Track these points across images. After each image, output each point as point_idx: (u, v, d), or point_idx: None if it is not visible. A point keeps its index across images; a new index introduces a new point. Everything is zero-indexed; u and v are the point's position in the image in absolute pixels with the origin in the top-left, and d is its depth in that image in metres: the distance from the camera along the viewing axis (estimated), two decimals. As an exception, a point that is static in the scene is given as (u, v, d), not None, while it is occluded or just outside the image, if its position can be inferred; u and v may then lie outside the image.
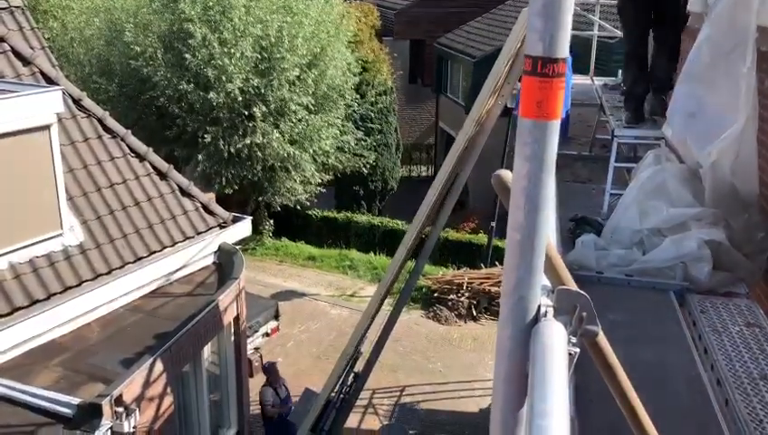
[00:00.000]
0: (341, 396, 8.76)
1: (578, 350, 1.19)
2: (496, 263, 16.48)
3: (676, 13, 6.61)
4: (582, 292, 1.20)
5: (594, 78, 10.41)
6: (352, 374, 8.94)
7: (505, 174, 1.23)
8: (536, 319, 1.14)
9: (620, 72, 9.36)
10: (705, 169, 4.40)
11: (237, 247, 8.81)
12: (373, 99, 21.18)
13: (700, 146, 4.50)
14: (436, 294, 15.69)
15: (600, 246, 4.62)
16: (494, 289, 15.30)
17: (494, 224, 16.96)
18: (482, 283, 15.44)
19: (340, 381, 8.53)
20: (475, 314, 15.18)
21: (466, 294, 15.37)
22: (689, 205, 4.55)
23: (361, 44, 20.70)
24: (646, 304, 4.14)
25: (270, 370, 10.38)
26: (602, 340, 1.28)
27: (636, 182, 5.02)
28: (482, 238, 18.02)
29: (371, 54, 21.38)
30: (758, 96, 4.11)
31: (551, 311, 1.16)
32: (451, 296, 15.44)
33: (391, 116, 22.23)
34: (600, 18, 10.97)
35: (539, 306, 1.15)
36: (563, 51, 0.95)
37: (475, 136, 7.92)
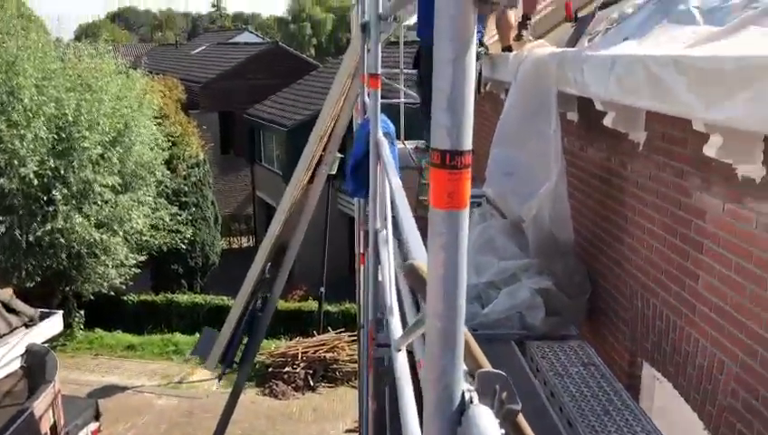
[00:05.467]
0: (251, 320, 8.70)
1: (503, 431, 1.19)
2: (329, 328, 16.40)
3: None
4: (502, 372, 1.20)
5: (405, 142, 10.93)
6: (260, 298, 8.89)
7: (419, 265, 1.20)
8: (462, 405, 1.12)
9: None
10: (527, 223, 4.74)
11: (47, 346, 7.97)
12: (185, 172, 20.58)
13: (519, 202, 4.85)
14: (270, 369, 15.22)
15: (441, 304, 4.75)
16: (328, 355, 15.15)
17: (323, 289, 16.96)
18: (316, 350, 15.26)
19: (249, 308, 8.32)
20: (312, 383, 14.90)
21: (302, 365, 15.08)
22: (516, 257, 4.85)
23: (168, 118, 20.12)
24: (492, 356, 4.29)
25: None
26: (521, 418, 1.28)
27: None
28: (311, 305, 17.91)
29: (179, 128, 20.85)
30: (564, 154, 4.55)
31: (475, 396, 1.15)
32: (286, 369, 15.06)
33: (206, 189, 21.69)
34: (404, 86, 11.64)
35: (462, 392, 1.13)
36: (468, 143, 0.99)
37: (300, 205, 7.96)
